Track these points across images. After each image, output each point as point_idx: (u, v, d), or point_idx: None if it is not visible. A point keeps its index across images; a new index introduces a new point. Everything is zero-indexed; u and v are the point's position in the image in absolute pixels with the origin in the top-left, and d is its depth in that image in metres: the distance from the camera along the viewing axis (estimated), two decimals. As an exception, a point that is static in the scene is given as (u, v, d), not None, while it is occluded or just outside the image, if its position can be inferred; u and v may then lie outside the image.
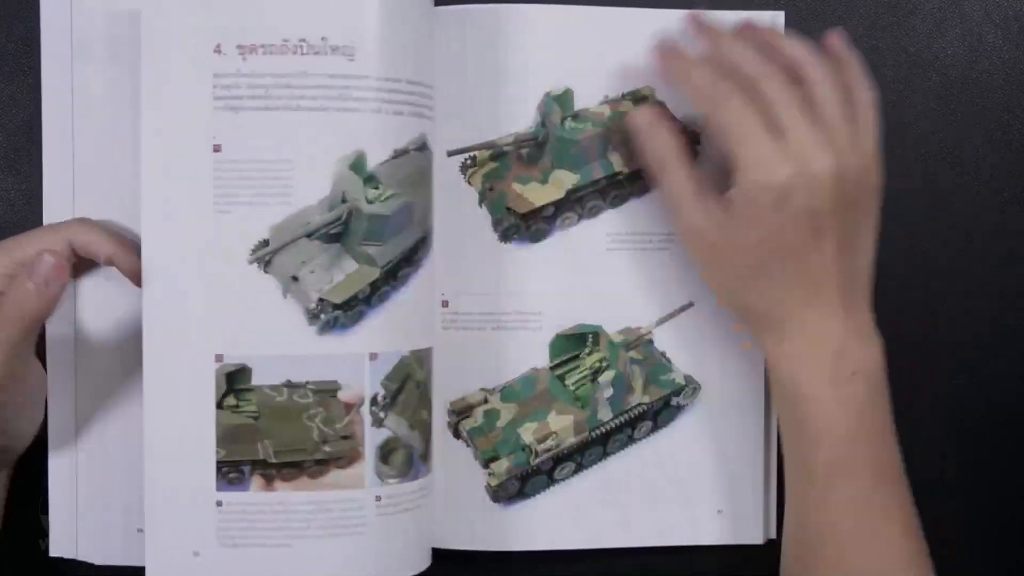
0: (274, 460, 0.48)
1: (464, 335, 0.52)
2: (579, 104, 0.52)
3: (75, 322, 0.50)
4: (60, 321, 0.50)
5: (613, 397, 0.52)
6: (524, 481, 0.52)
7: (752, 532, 0.54)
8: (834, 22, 0.54)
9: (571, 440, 0.52)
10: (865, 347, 0.47)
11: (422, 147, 0.49)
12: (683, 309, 0.53)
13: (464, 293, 0.52)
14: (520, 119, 0.52)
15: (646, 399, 0.53)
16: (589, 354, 0.53)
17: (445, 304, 0.52)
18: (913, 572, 0.47)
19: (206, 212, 0.47)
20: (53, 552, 0.51)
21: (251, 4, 0.46)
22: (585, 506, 0.53)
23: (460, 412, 0.52)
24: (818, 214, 0.45)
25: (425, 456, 0.50)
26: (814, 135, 0.45)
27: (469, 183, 0.52)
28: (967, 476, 0.56)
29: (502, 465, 0.52)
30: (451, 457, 0.52)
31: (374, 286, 0.48)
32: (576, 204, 0.52)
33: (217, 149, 0.46)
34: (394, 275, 0.49)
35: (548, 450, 0.52)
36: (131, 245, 0.48)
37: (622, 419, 0.53)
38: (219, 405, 0.47)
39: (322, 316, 0.47)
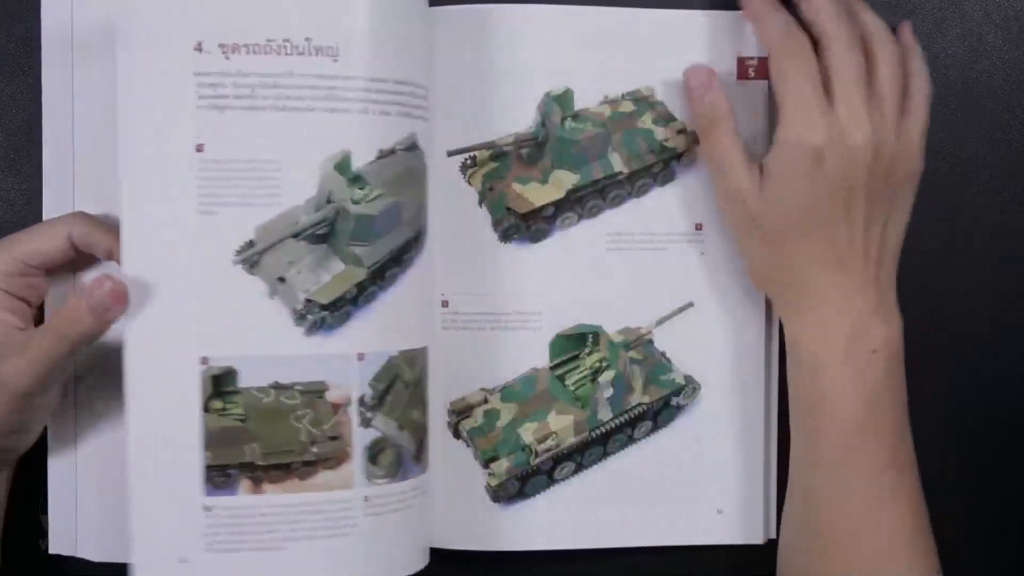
0: (262, 462, 0.47)
1: (464, 335, 0.52)
2: (579, 104, 0.52)
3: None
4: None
5: (613, 397, 0.52)
6: (524, 481, 0.52)
7: (752, 532, 0.54)
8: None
9: (571, 440, 0.52)
10: (886, 327, 0.47)
11: (412, 147, 0.48)
12: (683, 309, 0.53)
13: (464, 293, 0.52)
14: (520, 119, 0.52)
15: (646, 399, 0.53)
16: (589, 354, 0.53)
17: (445, 304, 0.52)
18: (919, 545, 0.47)
19: (189, 213, 0.46)
20: (53, 550, 0.51)
21: (231, 2, 0.46)
22: (585, 506, 0.53)
23: (460, 412, 0.52)
24: (850, 186, 0.46)
25: (418, 456, 0.50)
26: (862, 109, 0.46)
27: (469, 183, 0.52)
28: (967, 476, 0.56)
29: (502, 465, 0.52)
30: (451, 457, 0.52)
31: (361, 286, 0.48)
32: (576, 204, 0.52)
33: (200, 149, 0.46)
34: (381, 275, 0.48)
35: (548, 450, 0.52)
36: None
37: (622, 419, 0.53)
38: (205, 408, 0.47)
39: (309, 317, 0.47)
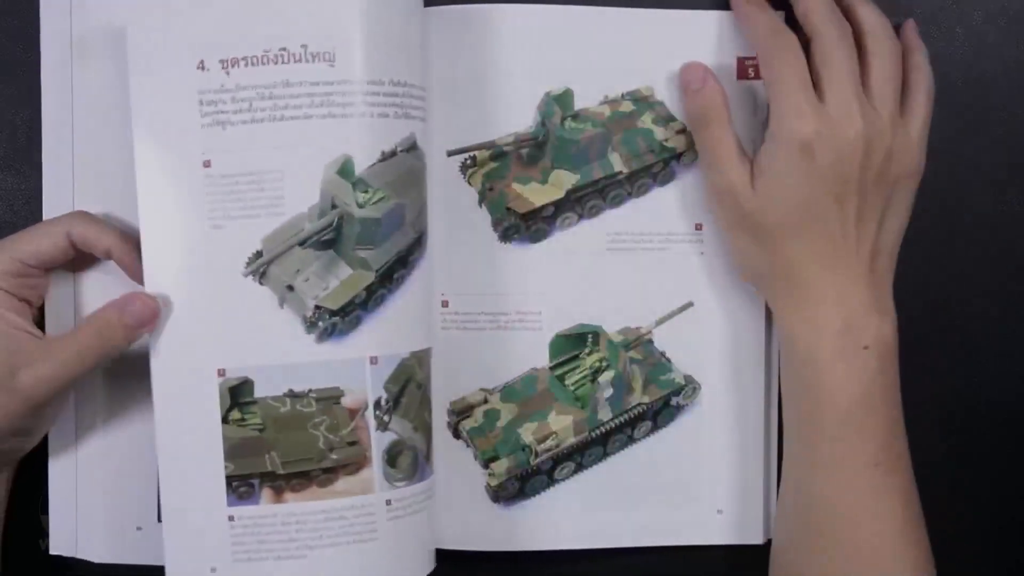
0: (282, 471, 0.48)
1: (464, 335, 0.52)
2: (579, 104, 0.52)
3: (75, 318, 0.50)
4: (59, 317, 0.50)
5: (613, 397, 0.52)
6: (524, 481, 0.52)
7: (752, 532, 0.54)
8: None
9: (571, 440, 0.52)
10: (879, 323, 0.47)
11: (412, 148, 0.48)
12: (683, 309, 0.53)
13: (464, 293, 0.52)
14: (520, 119, 0.52)
15: (646, 399, 0.53)
16: (589, 354, 0.53)
17: (445, 304, 0.52)
18: (911, 541, 0.47)
19: (202, 228, 0.47)
20: (53, 550, 0.51)
21: (231, 17, 0.46)
22: (585, 506, 0.53)
23: (460, 412, 0.52)
24: (843, 181, 0.46)
25: (428, 457, 0.50)
26: (852, 103, 0.46)
27: (469, 183, 0.52)
28: (967, 476, 0.56)
29: (502, 465, 0.52)
30: (451, 457, 0.53)
31: (370, 290, 0.48)
32: (576, 204, 0.52)
33: (207, 164, 0.47)
34: (389, 278, 0.49)
35: (548, 450, 0.52)
36: (129, 239, 0.48)
37: (622, 419, 0.53)
38: (224, 419, 0.47)
39: (320, 323, 0.47)
